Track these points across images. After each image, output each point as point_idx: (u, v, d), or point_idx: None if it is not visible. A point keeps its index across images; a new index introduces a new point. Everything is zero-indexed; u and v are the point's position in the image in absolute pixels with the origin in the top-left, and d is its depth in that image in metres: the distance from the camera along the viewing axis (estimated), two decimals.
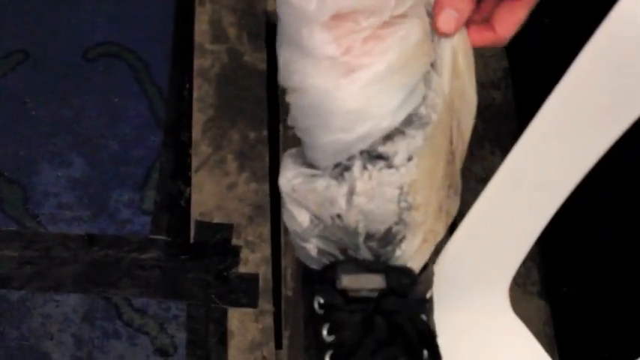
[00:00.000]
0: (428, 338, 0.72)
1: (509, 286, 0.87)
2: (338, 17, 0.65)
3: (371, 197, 0.69)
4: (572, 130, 0.72)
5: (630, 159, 1.04)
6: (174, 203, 1.12)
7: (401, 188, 0.69)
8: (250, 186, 1.06)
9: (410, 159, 0.69)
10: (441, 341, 0.74)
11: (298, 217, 0.72)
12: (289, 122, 0.73)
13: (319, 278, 0.73)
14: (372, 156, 0.69)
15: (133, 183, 1.13)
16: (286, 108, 0.73)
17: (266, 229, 1.04)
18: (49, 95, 1.20)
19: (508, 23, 0.71)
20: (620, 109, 0.69)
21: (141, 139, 1.16)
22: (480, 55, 1.20)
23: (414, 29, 0.69)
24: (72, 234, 1.08)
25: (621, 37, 0.67)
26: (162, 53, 1.24)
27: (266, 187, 1.06)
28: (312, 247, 0.73)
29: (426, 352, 0.70)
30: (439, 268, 0.80)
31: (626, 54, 0.67)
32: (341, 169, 0.69)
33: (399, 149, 0.69)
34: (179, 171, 1.14)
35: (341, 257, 0.72)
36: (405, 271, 0.71)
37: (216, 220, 1.07)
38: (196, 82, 1.17)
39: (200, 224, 1.07)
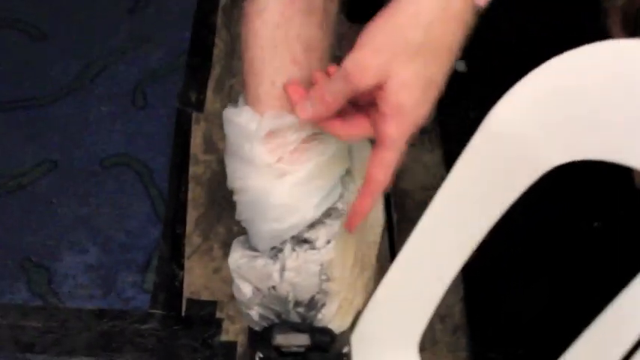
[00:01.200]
0: None
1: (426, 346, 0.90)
2: (271, 134, 0.70)
3: (298, 272, 0.73)
4: (462, 209, 0.75)
5: (543, 234, 1.15)
6: (170, 284, 1.19)
7: (321, 265, 0.73)
8: None
9: (328, 242, 0.73)
10: None
11: (243, 289, 0.75)
12: (236, 217, 0.76)
13: (260, 337, 0.76)
14: (300, 240, 0.73)
15: (136, 267, 1.21)
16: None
17: None
18: (71, 196, 1.29)
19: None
20: (489, 201, 0.74)
21: (144, 231, 1.25)
22: (423, 164, 1.27)
23: (330, 144, 0.73)
24: (85, 308, 1.16)
25: (487, 154, 0.71)
26: (164, 162, 1.33)
27: None
28: (254, 313, 0.76)
29: None
30: (358, 328, 0.83)
31: (498, 155, 0.71)
32: (276, 251, 0.73)
33: (320, 235, 0.73)
34: (174, 257, 1.21)
35: (277, 321, 0.75)
36: (325, 330, 0.75)
37: (204, 297, 1.13)
38: (191, 185, 1.25)
39: (190, 301, 1.14)
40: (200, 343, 1.12)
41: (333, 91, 0.65)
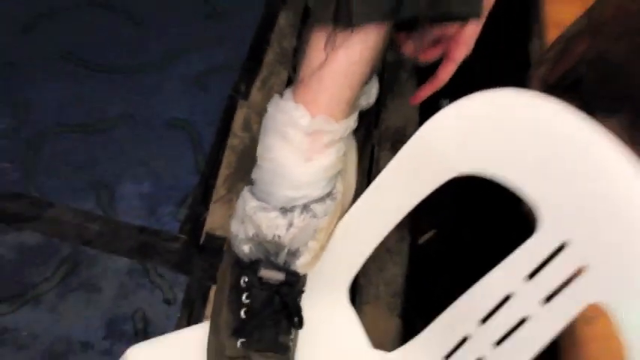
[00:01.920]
0: (298, 311, 0.82)
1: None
2: (314, 132, 0.77)
3: (301, 230, 0.78)
4: (389, 194, 0.81)
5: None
6: (196, 219, 1.29)
7: (315, 230, 0.80)
8: None
9: (325, 214, 0.80)
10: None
11: (247, 230, 0.79)
12: (252, 175, 0.82)
13: (248, 266, 0.81)
14: (307, 209, 0.79)
15: (174, 202, 1.32)
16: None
17: None
18: (139, 142, 1.40)
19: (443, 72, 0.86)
20: (409, 193, 0.80)
21: (186, 178, 1.36)
22: None
23: (341, 149, 0.81)
24: (132, 223, 1.28)
25: (415, 153, 0.78)
26: (211, 131, 1.43)
27: None
28: (246, 248, 0.81)
29: (296, 319, 0.81)
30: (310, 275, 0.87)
31: (417, 162, 0.78)
32: (285, 210, 0.78)
33: (321, 209, 0.80)
34: (203, 201, 1.31)
35: (263, 258, 0.80)
36: (296, 273, 0.81)
37: (218, 233, 1.23)
38: (227, 152, 1.35)
39: (208, 234, 1.25)
40: (208, 265, 1.20)
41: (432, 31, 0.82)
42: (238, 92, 1.46)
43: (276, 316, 0.79)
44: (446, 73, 0.85)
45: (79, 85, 1.49)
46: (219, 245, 1.22)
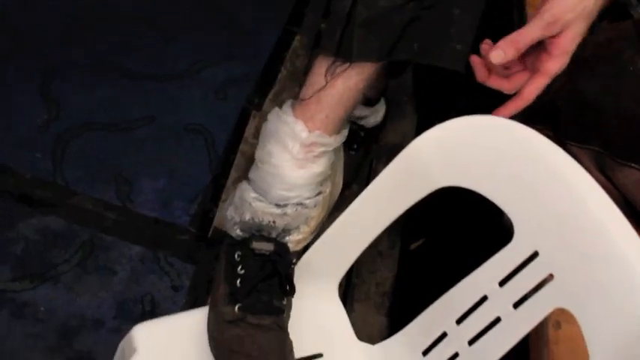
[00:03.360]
0: (289, 279, 0.84)
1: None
2: (310, 144, 0.82)
3: (293, 218, 0.83)
4: (378, 201, 0.82)
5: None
6: (206, 215, 1.32)
7: (307, 218, 0.85)
8: None
9: (315, 206, 0.85)
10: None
11: (245, 215, 0.83)
12: (249, 175, 0.86)
13: (239, 243, 0.84)
14: (300, 204, 0.84)
15: (187, 198, 1.35)
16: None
17: None
18: (158, 142, 1.43)
19: (531, 88, 0.75)
20: (398, 200, 0.81)
21: (199, 177, 1.39)
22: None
23: (329, 158, 0.85)
24: (148, 215, 1.32)
25: (403, 167, 0.79)
26: (225, 137, 1.46)
27: None
28: (239, 231, 0.85)
29: (287, 286, 0.83)
30: (303, 258, 0.90)
31: (404, 174, 0.79)
32: (279, 205, 0.83)
33: (312, 202, 0.85)
34: (213, 199, 1.34)
35: (255, 234, 0.83)
36: (284, 244, 0.85)
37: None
38: (238, 156, 1.38)
39: (215, 229, 1.27)
40: (215, 257, 1.18)
41: (530, 37, 0.70)
42: (252, 103, 1.49)
43: (269, 281, 0.81)
44: (534, 89, 0.75)
45: (108, 89, 1.52)
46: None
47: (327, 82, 0.80)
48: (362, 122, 1.38)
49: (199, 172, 1.41)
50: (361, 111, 1.36)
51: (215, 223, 1.28)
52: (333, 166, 0.89)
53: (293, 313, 0.85)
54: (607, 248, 0.63)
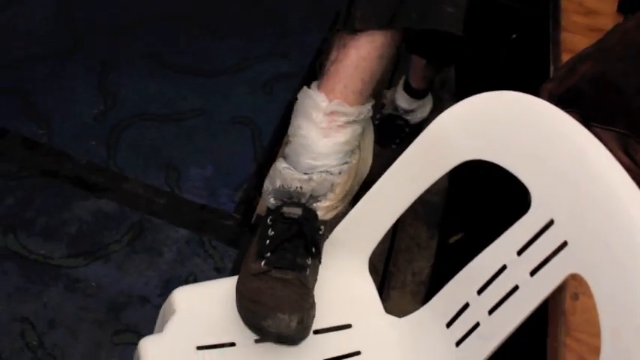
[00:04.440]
0: (317, 243, 0.86)
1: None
2: (332, 113, 0.85)
3: (318, 184, 0.86)
4: (405, 177, 0.84)
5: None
6: (250, 202, 1.39)
7: (332, 184, 0.87)
8: None
9: (339, 172, 0.87)
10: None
11: (274, 182, 0.87)
12: (286, 151, 0.89)
13: (272, 211, 0.88)
14: (326, 171, 0.86)
15: (233, 186, 1.42)
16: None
17: None
18: (207, 134, 1.49)
19: None
20: (424, 175, 0.82)
21: (244, 166, 1.47)
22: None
23: (357, 128, 0.88)
24: (195, 201, 1.38)
25: (428, 141, 0.80)
26: (270, 129, 1.54)
27: None
28: (272, 199, 0.88)
29: (314, 249, 0.85)
30: (335, 232, 0.91)
31: (429, 149, 0.80)
32: (308, 172, 0.86)
33: (336, 170, 0.87)
34: (257, 187, 1.36)
35: (287, 201, 0.87)
36: (312, 210, 0.87)
37: None
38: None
39: (258, 216, 1.29)
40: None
41: None
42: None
43: (295, 242, 0.84)
44: None
45: (161, 83, 1.61)
46: None
47: (339, 54, 0.87)
48: (408, 117, 1.42)
49: (245, 162, 1.47)
50: (408, 104, 1.39)
51: (258, 210, 1.33)
52: (361, 140, 0.92)
53: (324, 286, 0.88)
54: (619, 217, 0.66)
